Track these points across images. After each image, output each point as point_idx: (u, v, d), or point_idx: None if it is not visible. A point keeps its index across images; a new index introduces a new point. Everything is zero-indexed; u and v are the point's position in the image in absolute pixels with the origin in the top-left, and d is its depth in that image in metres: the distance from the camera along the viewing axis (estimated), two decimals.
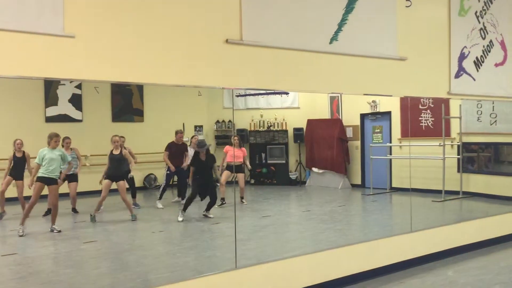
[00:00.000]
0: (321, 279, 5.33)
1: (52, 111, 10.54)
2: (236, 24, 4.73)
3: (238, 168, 10.12)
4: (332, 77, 5.59)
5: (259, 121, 13.12)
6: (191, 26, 4.51)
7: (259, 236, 7.39)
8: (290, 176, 12.45)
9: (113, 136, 8.58)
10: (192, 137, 10.16)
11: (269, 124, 13.10)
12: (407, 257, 6.22)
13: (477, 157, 10.70)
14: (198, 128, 12.69)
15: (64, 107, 10.62)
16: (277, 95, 12.66)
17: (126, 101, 11.58)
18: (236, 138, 10.64)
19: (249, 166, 11.15)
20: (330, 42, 5.44)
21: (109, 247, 7.09)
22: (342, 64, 5.63)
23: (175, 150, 9.51)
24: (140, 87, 11.56)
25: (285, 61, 5.15)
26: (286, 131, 12.96)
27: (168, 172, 9.50)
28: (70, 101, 10.71)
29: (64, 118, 10.55)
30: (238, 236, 6.78)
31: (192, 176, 8.52)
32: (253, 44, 4.81)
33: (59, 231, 7.43)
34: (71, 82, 10.52)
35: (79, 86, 10.75)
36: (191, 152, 9.29)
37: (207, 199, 8.60)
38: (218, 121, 13.17)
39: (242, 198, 10.10)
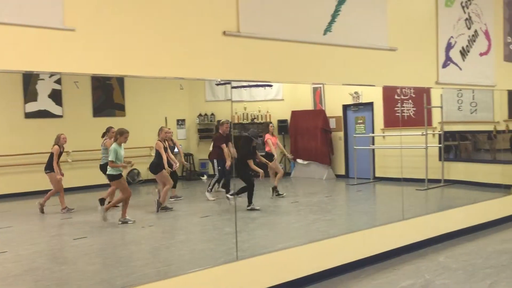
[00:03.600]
0: (320, 268, 5.39)
1: (31, 106, 10.34)
2: (233, 16, 4.70)
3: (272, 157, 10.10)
4: (326, 68, 5.63)
5: (243, 113, 13.10)
6: (190, 18, 4.47)
7: (250, 228, 7.40)
8: None
9: (164, 127, 8.92)
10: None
11: (253, 117, 13.10)
12: (400, 244, 6.34)
13: (458, 145, 10.94)
14: (181, 122, 12.61)
15: (44, 102, 10.42)
16: (260, 87, 12.65)
17: (107, 96, 11.41)
18: (271, 126, 10.75)
19: (289, 156, 11.72)
20: (324, 33, 5.46)
21: (101, 243, 7.00)
22: (336, 54, 5.67)
23: (225, 142, 9.48)
24: (121, 82, 11.41)
25: (281, 53, 5.15)
26: (270, 123, 12.97)
27: (219, 167, 9.47)
28: (50, 96, 10.51)
29: (44, 114, 10.36)
30: (229, 229, 6.82)
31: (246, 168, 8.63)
32: (250, 36, 4.80)
33: (133, 221, 7.58)
34: (50, 76, 10.32)
35: (58, 81, 10.54)
36: None
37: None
38: (200, 114, 13.10)
39: (276, 188, 9.80)
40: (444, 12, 6.90)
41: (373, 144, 11.18)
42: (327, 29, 5.47)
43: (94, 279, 5.30)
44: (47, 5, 3.59)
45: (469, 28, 7.25)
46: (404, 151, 10.32)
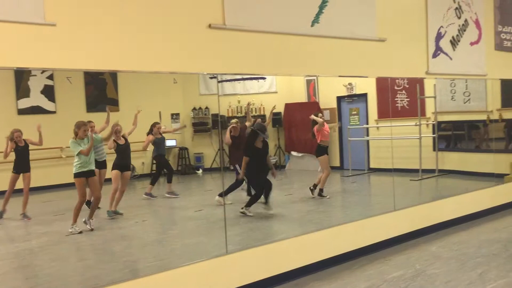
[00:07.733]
0: (310, 260, 5.40)
1: (24, 103, 10.29)
2: (218, 9, 4.68)
3: (326, 149, 9.09)
4: (315, 60, 5.60)
5: (237, 106, 13.07)
6: (174, 11, 4.44)
7: (244, 221, 7.39)
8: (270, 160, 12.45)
9: (115, 124, 8.25)
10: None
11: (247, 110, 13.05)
12: (392, 235, 6.35)
13: (452, 135, 10.94)
14: (175, 116, 12.57)
15: (36, 98, 10.37)
16: (254, 80, 12.61)
17: (100, 91, 11.36)
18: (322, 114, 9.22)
19: None
20: (312, 25, 5.43)
21: (94, 239, 6.98)
22: (324, 46, 5.64)
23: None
24: (114, 76, 11.34)
25: (268, 45, 5.12)
26: (264, 115, 12.95)
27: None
28: (42, 92, 10.46)
29: (37, 110, 10.31)
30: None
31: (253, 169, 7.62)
32: (236, 28, 4.77)
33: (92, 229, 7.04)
34: (42, 72, 10.27)
35: (51, 77, 10.48)
36: None
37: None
38: (194, 108, 13.06)
39: (321, 189, 8.77)
40: (434, 2, 6.85)
41: (368, 135, 11.17)
42: (315, 21, 5.44)
43: (86, 275, 5.29)
44: (28, 0, 3.55)
45: (459, 18, 7.21)
46: (398, 141, 10.36)
